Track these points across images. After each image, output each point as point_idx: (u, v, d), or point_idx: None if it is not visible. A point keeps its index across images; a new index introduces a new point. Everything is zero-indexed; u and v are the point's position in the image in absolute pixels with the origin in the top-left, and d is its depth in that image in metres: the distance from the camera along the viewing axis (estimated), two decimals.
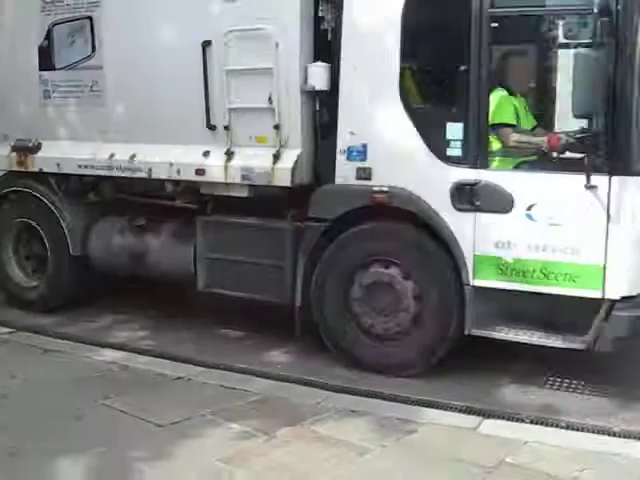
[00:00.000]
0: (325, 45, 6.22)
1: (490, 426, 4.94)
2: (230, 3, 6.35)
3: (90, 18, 7.09)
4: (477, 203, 5.59)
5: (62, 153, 7.44)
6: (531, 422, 5.07)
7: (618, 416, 5.26)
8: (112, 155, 7.09)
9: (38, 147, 7.59)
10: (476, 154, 5.63)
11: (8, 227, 8.07)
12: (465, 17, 5.51)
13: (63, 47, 7.31)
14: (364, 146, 5.97)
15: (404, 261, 5.93)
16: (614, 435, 4.88)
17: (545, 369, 6.10)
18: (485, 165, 5.65)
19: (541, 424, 5.03)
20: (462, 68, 5.61)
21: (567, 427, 4.99)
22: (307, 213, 6.28)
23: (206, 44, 6.47)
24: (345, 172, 6.07)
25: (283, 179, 6.25)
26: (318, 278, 6.22)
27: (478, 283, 5.69)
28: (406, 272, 5.93)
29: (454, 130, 5.69)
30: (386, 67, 5.83)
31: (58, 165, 7.47)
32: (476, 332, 5.75)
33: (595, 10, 5.06)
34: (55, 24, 7.32)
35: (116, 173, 7.12)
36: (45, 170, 7.60)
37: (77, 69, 7.27)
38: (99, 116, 7.20)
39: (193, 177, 6.71)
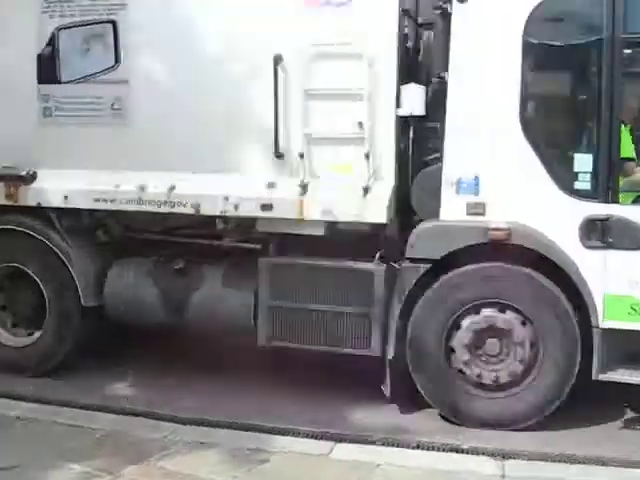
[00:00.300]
0: (413, 65, 5.59)
1: (342, 451, 4.92)
2: (313, 10, 5.52)
3: (113, 22, 5.95)
4: (609, 240, 5.18)
5: (71, 184, 6.15)
6: (382, 444, 5.09)
7: (466, 433, 5.32)
8: (143, 187, 5.95)
9: (33, 177, 6.25)
10: (607, 187, 5.22)
11: None
12: (596, 42, 5.10)
13: (73, 56, 6.09)
14: (476, 178, 5.38)
15: (521, 303, 5.40)
16: (463, 452, 4.97)
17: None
18: (617, 199, 5.24)
19: (392, 445, 5.07)
20: (591, 96, 5.20)
21: (417, 446, 5.05)
22: (401, 253, 5.57)
23: (278, 58, 5.58)
24: (453, 207, 5.45)
25: (376, 215, 5.53)
26: (416, 325, 5.52)
27: (608, 325, 5.28)
28: (523, 315, 5.41)
29: (583, 162, 5.26)
30: (505, 93, 5.30)
31: (66, 198, 6.17)
32: (603, 377, 5.33)
33: None
34: (62, 28, 6.08)
35: (148, 208, 6.00)
36: (45, 204, 6.27)
37: (92, 82, 6.07)
38: (123, 139, 6.04)
39: (256, 213, 5.78)
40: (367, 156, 5.49)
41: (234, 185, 5.78)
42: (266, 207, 5.72)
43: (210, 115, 5.82)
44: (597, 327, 5.26)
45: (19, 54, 6.19)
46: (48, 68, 6.14)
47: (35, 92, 6.19)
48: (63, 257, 6.24)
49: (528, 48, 5.22)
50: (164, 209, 5.96)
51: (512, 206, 5.35)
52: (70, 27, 6.06)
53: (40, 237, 6.31)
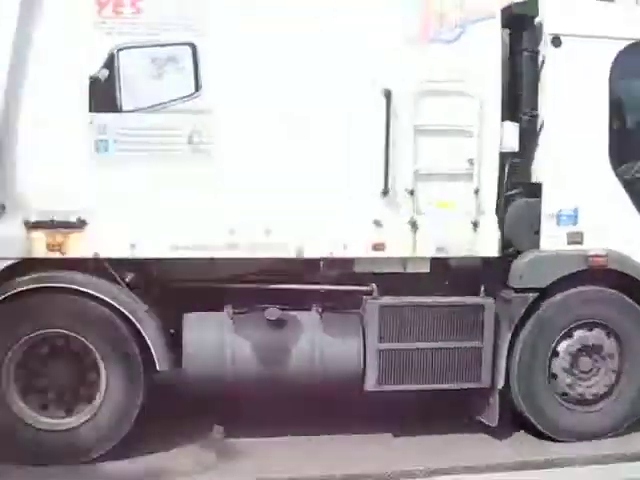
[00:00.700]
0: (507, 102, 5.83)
1: None
2: (421, 46, 5.44)
3: (193, 45, 5.19)
4: None
5: (139, 230, 5.24)
6: None
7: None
8: (232, 230, 5.29)
9: (84, 223, 5.17)
10: None
11: (7, 345, 5.24)
12: None
13: (138, 81, 5.16)
14: (575, 210, 5.80)
15: (610, 321, 5.96)
16: None
17: None
18: None
19: None
20: None
21: None
22: (504, 284, 5.80)
23: (388, 94, 5.39)
24: (554, 237, 5.82)
25: (489, 249, 5.70)
26: (524, 352, 5.76)
27: None
28: (612, 331, 5.96)
29: None
30: (596, 131, 5.85)
31: (133, 247, 5.22)
32: None
33: None
34: (124, 48, 5.13)
35: (241, 254, 5.34)
36: (105, 255, 5.22)
37: (165, 112, 5.22)
38: (204, 179, 5.29)
39: (367, 253, 5.50)
40: (476, 192, 5.61)
41: (339, 225, 5.43)
42: (378, 247, 5.50)
43: (310, 152, 5.39)
44: None
45: (64, 76, 5.08)
46: (104, 94, 5.13)
47: (85, 122, 5.12)
48: (132, 317, 5.23)
49: (613, 90, 5.78)
50: (260, 254, 5.37)
51: (606, 235, 5.88)
52: (134, 47, 5.13)
53: (96, 294, 5.21)
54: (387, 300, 5.65)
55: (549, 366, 5.85)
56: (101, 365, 5.29)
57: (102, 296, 5.19)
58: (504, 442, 5.98)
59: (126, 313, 5.22)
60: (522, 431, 6.09)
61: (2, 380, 5.19)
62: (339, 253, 5.48)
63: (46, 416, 5.33)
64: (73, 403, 5.37)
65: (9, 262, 5.08)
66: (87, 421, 5.31)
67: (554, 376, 5.88)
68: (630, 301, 5.93)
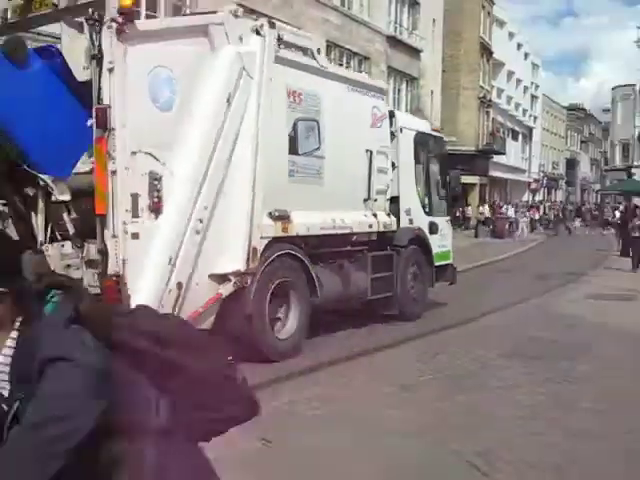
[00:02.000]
0: None
1: None
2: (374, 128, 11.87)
3: (317, 121, 10.21)
4: None
5: (307, 220, 10.05)
6: None
7: None
8: (333, 219, 10.68)
9: (290, 216, 9.73)
10: None
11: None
12: None
13: (302, 138, 9.86)
14: (409, 210, 12.98)
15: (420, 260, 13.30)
16: None
17: None
18: None
19: None
20: None
21: None
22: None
23: (369, 152, 11.60)
24: (405, 221, 12.81)
25: (395, 226, 12.43)
26: (403, 275, 13.12)
27: None
28: (419, 263, 13.37)
29: None
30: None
31: (308, 229, 10.12)
32: None
33: None
34: (300, 119, 9.89)
35: (334, 231, 10.81)
36: (300, 233, 10.00)
37: (310, 156, 10.10)
38: (320, 193, 10.45)
39: (367, 229, 11.75)
40: (389, 199, 12.30)
41: (356, 216, 11.36)
42: (370, 226, 11.68)
43: (347, 179, 11.14)
44: None
45: (280, 135, 9.68)
46: (293, 144, 9.81)
47: (286, 160, 9.80)
48: (310, 269, 10.16)
49: None
50: (340, 231, 10.98)
51: (420, 221, 12.96)
52: (301, 120, 9.93)
53: (301, 257, 10.01)
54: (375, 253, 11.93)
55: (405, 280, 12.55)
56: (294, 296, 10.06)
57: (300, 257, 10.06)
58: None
59: (307, 265, 10.13)
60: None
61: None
62: (365, 229, 11.65)
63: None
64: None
65: (267, 240, 9.37)
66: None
67: (411, 286, 12.55)
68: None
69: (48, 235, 8.09)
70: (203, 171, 8.32)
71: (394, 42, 32.46)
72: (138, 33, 7.65)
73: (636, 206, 29.66)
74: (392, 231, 12.18)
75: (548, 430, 6.82)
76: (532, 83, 68.78)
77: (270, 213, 9.33)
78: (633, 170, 62.30)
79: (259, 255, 9.08)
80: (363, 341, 10.95)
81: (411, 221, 12.81)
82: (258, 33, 9.23)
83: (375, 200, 11.66)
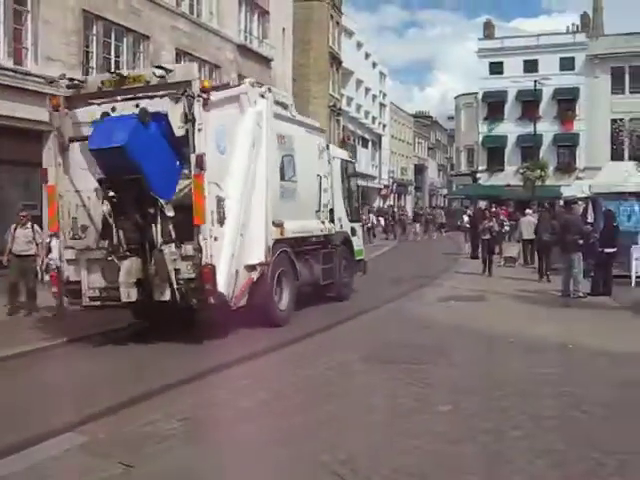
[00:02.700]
0: None
1: None
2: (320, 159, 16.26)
3: (292, 156, 14.31)
4: None
5: (291, 226, 13.83)
6: None
7: None
8: (303, 226, 14.78)
9: (283, 224, 13.47)
10: None
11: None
12: None
13: (286, 168, 14.00)
14: (340, 219, 17.46)
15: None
16: None
17: None
18: None
19: None
20: None
21: None
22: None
23: (319, 176, 15.83)
24: (338, 225, 15.38)
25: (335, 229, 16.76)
26: (339, 267, 17.58)
27: None
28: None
29: None
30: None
31: (292, 233, 14.13)
32: None
33: None
34: (284, 156, 13.99)
35: (303, 235, 14.87)
36: (288, 236, 13.92)
37: (289, 181, 14.13)
38: (295, 207, 14.23)
39: (320, 233, 15.86)
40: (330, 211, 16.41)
41: (313, 224, 15.52)
42: (322, 230, 15.86)
43: (308, 197, 15.18)
44: None
45: (275, 167, 13.53)
46: (282, 173, 13.83)
47: (279, 185, 13.64)
48: (295, 262, 14.31)
49: None
50: (305, 234, 15.01)
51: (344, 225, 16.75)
52: (285, 155, 14.02)
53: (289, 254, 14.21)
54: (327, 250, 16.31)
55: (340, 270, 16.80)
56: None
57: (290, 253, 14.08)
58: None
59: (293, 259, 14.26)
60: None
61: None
62: (317, 233, 15.73)
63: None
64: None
65: (273, 241, 13.14)
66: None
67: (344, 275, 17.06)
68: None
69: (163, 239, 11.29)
70: (243, 194, 12.18)
71: (244, 51, 32.39)
72: (211, 103, 11.32)
73: (484, 209, 30.94)
74: (331, 234, 16.20)
75: (410, 434, 6.85)
76: (380, 92, 70.56)
77: (274, 222, 12.99)
78: (478, 175, 64.91)
79: (270, 252, 12.80)
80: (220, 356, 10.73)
81: (341, 227, 17.14)
82: (263, 97, 13.07)
83: (322, 212, 15.81)
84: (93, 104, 11.98)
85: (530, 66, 60.05)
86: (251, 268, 12.30)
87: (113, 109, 11.58)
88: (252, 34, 34.08)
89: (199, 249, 11.09)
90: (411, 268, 24.65)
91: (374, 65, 68.05)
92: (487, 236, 22.91)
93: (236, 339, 12.01)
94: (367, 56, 64.88)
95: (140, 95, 11.67)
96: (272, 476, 5.94)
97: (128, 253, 11.42)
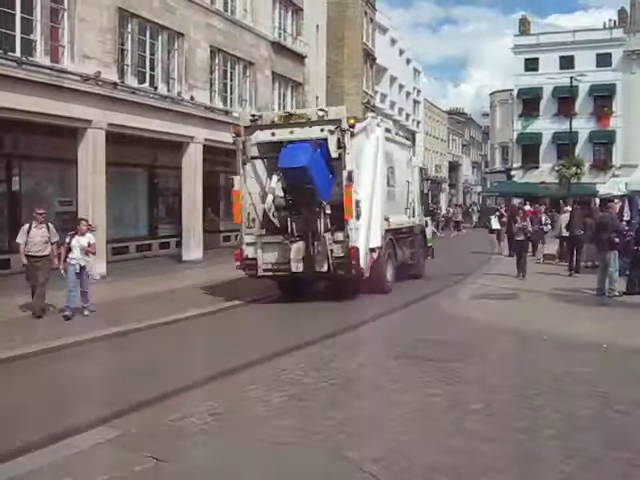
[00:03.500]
0: None
1: None
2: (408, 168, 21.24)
3: (393, 167, 18.92)
4: None
5: (392, 220, 18.32)
6: None
7: None
8: (398, 219, 19.08)
9: (389, 218, 18.12)
10: None
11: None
12: None
13: (390, 177, 18.57)
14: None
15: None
16: None
17: None
18: None
19: None
20: None
21: None
22: None
23: (407, 182, 20.73)
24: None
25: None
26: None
27: None
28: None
29: None
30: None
31: (394, 224, 18.54)
32: None
33: None
34: (389, 168, 18.56)
35: (398, 226, 19.11)
36: (392, 228, 18.45)
37: (391, 187, 18.63)
38: (393, 206, 18.72)
39: (407, 225, 20.54)
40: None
41: (404, 218, 20.16)
42: (409, 222, 20.74)
43: (401, 198, 20.01)
44: None
45: (384, 177, 18.07)
46: (388, 181, 18.25)
47: (386, 189, 17.95)
48: (396, 246, 18.87)
49: None
50: (399, 225, 19.31)
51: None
52: (389, 167, 18.22)
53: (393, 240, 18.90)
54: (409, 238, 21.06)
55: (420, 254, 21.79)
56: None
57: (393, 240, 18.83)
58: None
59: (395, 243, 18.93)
60: None
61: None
62: (405, 224, 20.36)
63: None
64: None
65: (384, 231, 17.69)
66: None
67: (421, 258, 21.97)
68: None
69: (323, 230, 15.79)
70: (368, 197, 16.52)
71: (278, 48, 32.51)
72: (354, 133, 15.99)
73: (518, 207, 30.46)
74: (414, 226, 21.16)
75: (443, 432, 6.85)
76: (414, 88, 70.23)
77: (384, 217, 17.64)
78: (512, 172, 64.55)
79: (383, 238, 17.41)
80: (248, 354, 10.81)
81: (420, 220, 22.04)
82: (378, 125, 17.97)
83: (408, 208, 20.69)
84: (267, 130, 16.49)
85: (566, 62, 59.58)
86: (372, 250, 16.61)
87: (292, 133, 16.18)
88: (286, 31, 34.21)
89: (347, 236, 15.63)
90: (444, 265, 24.53)
91: (408, 61, 67.74)
92: (521, 237, 21.46)
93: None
94: (401, 52, 64.60)
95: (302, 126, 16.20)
96: (299, 475, 5.97)
97: (297, 238, 15.83)
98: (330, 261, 15.67)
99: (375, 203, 16.84)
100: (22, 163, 20.80)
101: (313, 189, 15.29)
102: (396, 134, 20.83)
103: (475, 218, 54.09)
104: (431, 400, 7.96)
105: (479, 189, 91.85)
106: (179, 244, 26.24)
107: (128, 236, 25.76)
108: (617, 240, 16.57)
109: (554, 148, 60.64)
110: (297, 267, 15.77)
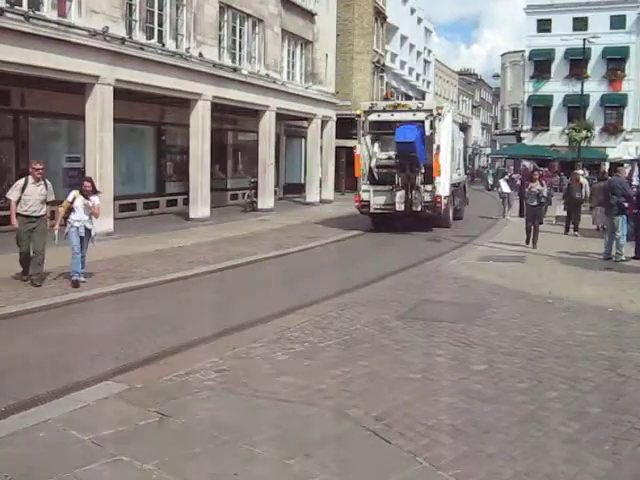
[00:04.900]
0: None
1: None
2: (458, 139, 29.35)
3: (454, 141, 26.48)
4: None
5: (453, 177, 26.02)
6: None
7: None
8: (453, 176, 26.10)
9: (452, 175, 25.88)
10: None
11: None
12: None
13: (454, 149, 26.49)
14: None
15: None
16: None
17: None
18: None
19: None
20: None
21: None
22: None
23: (458, 149, 28.84)
24: None
25: None
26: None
27: None
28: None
29: None
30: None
31: (454, 180, 26.42)
32: None
33: None
34: (452, 140, 25.58)
35: (455, 181, 26.75)
36: (453, 182, 26.39)
37: (452, 153, 25.32)
38: (452, 166, 25.69)
39: (458, 180, 28.48)
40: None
41: (456, 175, 27.54)
42: (458, 179, 28.43)
43: (455, 161, 27.02)
44: None
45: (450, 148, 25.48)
46: (452, 152, 25.58)
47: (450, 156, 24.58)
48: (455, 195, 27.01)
49: None
50: (455, 181, 26.70)
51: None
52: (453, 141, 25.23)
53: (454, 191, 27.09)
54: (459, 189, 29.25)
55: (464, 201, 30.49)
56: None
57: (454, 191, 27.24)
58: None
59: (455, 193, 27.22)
60: None
61: None
62: (456, 181, 27.83)
63: None
64: None
65: (450, 184, 25.05)
66: None
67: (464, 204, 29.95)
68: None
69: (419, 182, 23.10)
70: (446, 160, 23.63)
71: (288, 5, 32.13)
72: (439, 117, 23.44)
73: (532, 170, 30.16)
74: (461, 181, 29.14)
75: (445, 392, 6.89)
76: (425, 48, 69.43)
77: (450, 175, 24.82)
78: (522, 135, 64.17)
79: (449, 189, 24.51)
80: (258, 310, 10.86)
81: (463, 177, 30.79)
82: (448, 111, 24.84)
83: (458, 168, 28.28)
84: (378, 113, 24.24)
85: (579, 24, 58.90)
86: (445, 197, 23.64)
87: (392, 115, 23.90)
88: None
89: (434, 188, 23.02)
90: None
91: (419, 21, 66.89)
92: (534, 202, 19.68)
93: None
94: (412, 12, 63.73)
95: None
96: (302, 432, 5.99)
97: (401, 188, 22.99)
98: (423, 204, 22.87)
99: (447, 165, 23.92)
100: (29, 118, 20.77)
101: (415, 156, 22.24)
102: (455, 115, 30.86)
103: (491, 181, 53.60)
104: (434, 360, 8.00)
105: (488, 151, 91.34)
106: (186, 202, 26.18)
107: (135, 193, 25.77)
108: (626, 204, 16.51)
109: (565, 111, 60.18)
110: (400, 207, 22.87)
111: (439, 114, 23.25)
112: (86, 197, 12.71)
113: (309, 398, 6.68)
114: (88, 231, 12.85)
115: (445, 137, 23.69)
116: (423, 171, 22.84)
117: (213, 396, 6.74)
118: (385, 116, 23.72)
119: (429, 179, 22.91)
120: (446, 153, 23.71)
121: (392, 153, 23.09)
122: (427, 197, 22.88)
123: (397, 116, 23.45)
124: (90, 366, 8.05)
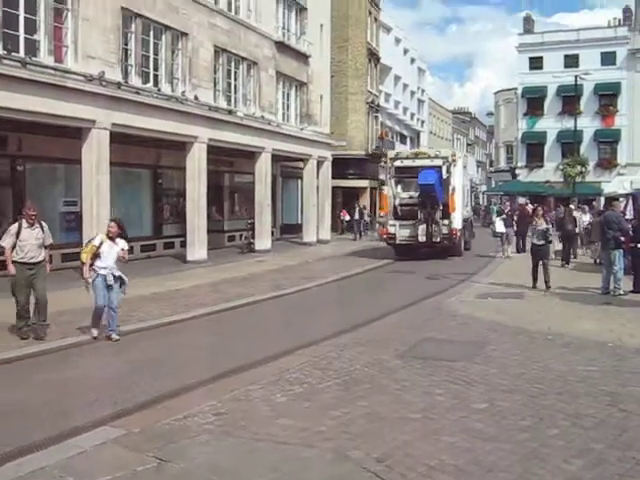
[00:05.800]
0: None
1: None
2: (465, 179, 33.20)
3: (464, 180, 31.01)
4: None
5: (464, 213, 30.72)
6: None
7: None
8: (464, 213, 30.93)
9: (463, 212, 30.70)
10: None
11: None
12: None
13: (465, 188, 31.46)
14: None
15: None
16: None
17: None
18: None
19: None
20: None
21: None
22: None
23: (466, 188, 33.03)
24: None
25: None
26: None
27: None
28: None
29: None
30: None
31: (465, 216, 31.81)
32: None
33: None
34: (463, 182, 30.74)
35: (465, 217, 31.26)
36: (464, 218, 31.05)
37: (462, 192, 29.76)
38: (463, 203, 30.34)
39: (466, 216, 32.51)
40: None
41: (465, 212, 31.36)
42: (467, 215, 33.58)
43: (464, 199, 30.93)
44: None
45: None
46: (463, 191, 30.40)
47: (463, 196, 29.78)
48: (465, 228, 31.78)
49: None
50: (465, 217, 31.05)
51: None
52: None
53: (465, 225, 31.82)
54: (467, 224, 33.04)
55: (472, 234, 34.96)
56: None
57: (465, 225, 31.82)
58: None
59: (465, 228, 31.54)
60: None
61: None
62: (465, 217, 31.60)
63: None
64: None
65: (462, 219, 29.93)
66: None
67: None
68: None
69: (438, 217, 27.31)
70: (459, 198, 28.27)
71: (282, 47, 32.48)
72: (454, 163, 28.21)
73: (535, 207, 30.10)
74: (469, 217, 33.35)
75: (446, 432, 6.81)
76: (419, 88, 70.08)
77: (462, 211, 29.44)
78: (517, 171, 64.48)
79: (461, 223, 28.84)
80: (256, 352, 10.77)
81: (470, 213, 36.21)
82: (459, 157, 29.67)
83: (466, 205, 32.35)
84: (401, 160, 28.91)
85: (571, 61, 59.52)
86: (459, 230, 27.73)
87: (414, 162, 28.38)
88: (290, 30, 34.18)
89: (450, 222, 27.00)
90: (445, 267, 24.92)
91: (412, 61, 67.59)
92: (541, 242, 18.14)
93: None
94: (405, 52, 64.46)
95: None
96: (303, 475, 5.93)
97: (423, 222, 26.79)
98: (441, 236, 26.71)
99: (460, 203, 28.12)
100: (26, 163, 20.85)
101: (435, 195, 26.33)
102: (465, 158, 34.99)
103: (495, 217, 53.11)
104: (435, 399, 7.93)
105: (484, 188, 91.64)
106: (183, 244, 26.18)
107: (132, 236, 25.73)
108: (622, 239, 16.55)
109: (559, 147, 60.49)
110: (422, 238, 26.70)
111: (454, 160, 27.79)
112: (112, 240, 11.91)
113: (308, 440, 6.61)
114: (118, 278, 11.99)
115: (459, 179, 28.10)
116: (441, 208, 26.80)
117: (212, 440, 6.67)
118: (408, 162, 28.21)
119: (446, 215, 26.96)
120: (460, 192, 28.18)
121: (413, 193, 27.71)
122: (445, 230, 26.85)
123: (418, 162, 27.92)
124: (88, 411, 7.96)
